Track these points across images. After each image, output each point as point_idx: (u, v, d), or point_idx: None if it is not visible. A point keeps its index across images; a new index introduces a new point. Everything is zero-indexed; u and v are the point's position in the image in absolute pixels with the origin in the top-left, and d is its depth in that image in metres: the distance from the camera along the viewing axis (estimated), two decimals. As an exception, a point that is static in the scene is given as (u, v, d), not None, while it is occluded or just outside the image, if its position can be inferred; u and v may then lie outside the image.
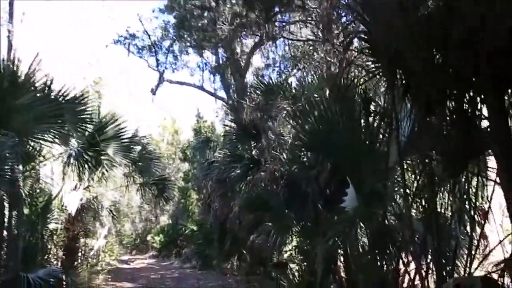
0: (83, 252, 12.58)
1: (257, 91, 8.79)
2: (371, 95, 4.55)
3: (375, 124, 4.24)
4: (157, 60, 16.50)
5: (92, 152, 8.01)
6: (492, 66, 2.96)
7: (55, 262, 9.52)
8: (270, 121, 8.46)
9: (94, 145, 7.86)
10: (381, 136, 4.22)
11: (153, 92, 16.10)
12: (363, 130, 4.27)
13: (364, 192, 4.07)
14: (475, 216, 4.44)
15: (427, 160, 3.85)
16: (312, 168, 7.24)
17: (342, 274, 6.78)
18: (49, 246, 9.17)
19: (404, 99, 3.94)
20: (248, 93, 10.60)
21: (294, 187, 7.40)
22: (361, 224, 4.50)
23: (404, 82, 3.84)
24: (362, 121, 4.33)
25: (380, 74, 3.93)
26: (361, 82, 4.13)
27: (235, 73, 13.60)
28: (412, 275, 3.97)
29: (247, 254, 12.66)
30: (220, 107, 18.08)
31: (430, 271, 3.79)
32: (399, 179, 4.14)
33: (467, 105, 3.65)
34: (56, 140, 6.90)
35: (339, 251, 6.75)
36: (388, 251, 4.12)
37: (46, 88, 6.51)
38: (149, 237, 24.57)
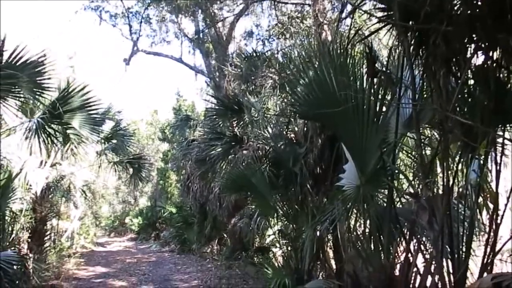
0: (54, 234, 11.83)
1: (240, 59, 7.99)
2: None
3: (382, 87, 3.52)
4: (130, 26, 15.24)
5: (56, 125, 7.15)
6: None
7: (22, 245, 8.71)
8: (253, 94, 7.71)
9: (57, 117, 6.98)
10: (388, 101, 3.53)
11: (127, 62, 14.99)
12: (367, 94, 3.53)
13: (368, 168, 3.38)
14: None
15: (443, 129, 3.19)
16: (299, 144, 6.58)
17: (332, 262, 6.16)
18: (12, 228, 8.32)
19: (418, 55, 3.26)
20: (230, 61, 9.80)
21: (279, 165, 6.74)
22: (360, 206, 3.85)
23: (418, 33, 3.17)
24: (366, 83, 3.59)
25: (390, 23, 3.23)
26: (366, 35, 3.41)
27: (216, 43, 12.67)
28: (420, 266, 3.32)
29: (228, 238, 12.14)
30: (200, 83, 17.14)
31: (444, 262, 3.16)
32: (412, 152, 3.46)
33: (496, 60, 3.00)
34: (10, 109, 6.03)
35: (328, 236, 6.15)
36: (393, 238, 3.48)
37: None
38: (127, 220, 24.15)
